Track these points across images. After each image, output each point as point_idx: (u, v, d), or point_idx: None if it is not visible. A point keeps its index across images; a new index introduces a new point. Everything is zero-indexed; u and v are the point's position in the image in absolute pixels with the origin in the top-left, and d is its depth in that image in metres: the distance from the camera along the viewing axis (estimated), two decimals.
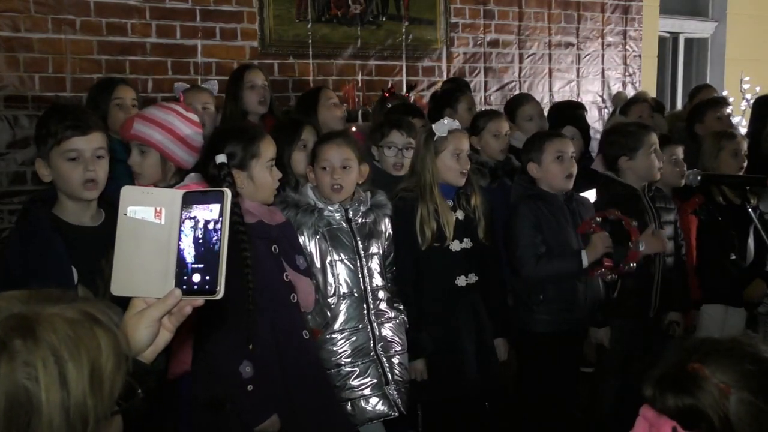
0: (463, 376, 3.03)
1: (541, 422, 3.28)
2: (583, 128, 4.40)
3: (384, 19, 5.60)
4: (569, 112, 4.53)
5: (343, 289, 2.76)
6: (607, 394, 3.59)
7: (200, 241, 1.19)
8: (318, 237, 2.73)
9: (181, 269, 1.19)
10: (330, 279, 2.74)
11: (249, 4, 5.03)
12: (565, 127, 4.00)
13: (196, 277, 1.19)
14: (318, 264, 2.73)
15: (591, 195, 3.65)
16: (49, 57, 4.36)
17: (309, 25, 5.27)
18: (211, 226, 1.18)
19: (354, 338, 2.76)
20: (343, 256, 2.76)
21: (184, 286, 1.19)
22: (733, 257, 3.75)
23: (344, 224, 2.79)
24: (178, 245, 1.19)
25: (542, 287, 3.20)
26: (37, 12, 4.31)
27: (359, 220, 2.82)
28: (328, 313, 2.73)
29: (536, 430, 3.34)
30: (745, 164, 3.86)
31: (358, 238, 2.80)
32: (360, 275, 2.78)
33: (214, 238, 1.18)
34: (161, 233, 1.20)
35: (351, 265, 2.77)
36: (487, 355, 3.14)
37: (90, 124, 2.17)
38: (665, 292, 3.42)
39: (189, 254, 1.19)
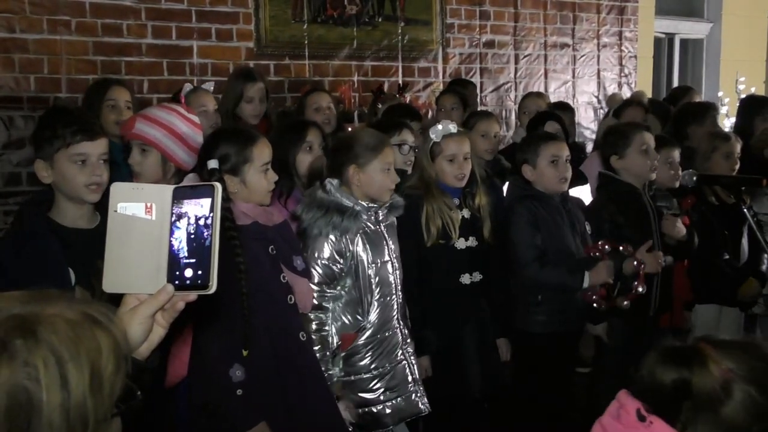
0: (465, 374, 3.04)
1: (537, 422, 3.29)
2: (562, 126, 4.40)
3: (380, 19, 5.60)
4: (548, 111, 4.53)
5: (379, 292, 2.75)
6: (605, 393, 3.59)
7: (192, 235, 1.18)
8: (358, 240, 2.71)
9: (173, 264, 1.18)
10: (368, 283, 2.73)
11: (245, 5, 5.03)
12: (547, 123, 4.02)
13: (188, 272, 1.18)
14: (357, 267, 2.71)
15: (583, 193, 3.65)
16: (44, 58, 4.35)
17: (305, 26, 5.26)
18: (202, 221, 1.18)
19: (386, 341, 2.77)
20: (379, 259, 2.75)
21: (177, 282, 1.18)
22: (726, 257, 3.76)
23: (376, 227, 2.78)
24: (170, 240, 1.19)
25: (540, 288, 3.20)
26: (32, 13, 4.30)
27: (385, 222, 2.83)
28: (366, 318, 2.73)
29: (533, 431, 3.34)
30: (738, 167, 3.86)
31: (389, 241, 2.81)
32: (392, 278, 2.79)
33: (206, 233, 1.18)
34: (152, 229, 1.19)
35: (385, 268, 2.77)
36: (490, 355, 3.15)
37: (96, 130, 2.21)
38: (665, 291, 3.42)
39: (180, 249, 1.18)
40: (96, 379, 0.94)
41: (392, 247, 2.82)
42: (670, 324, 3.58)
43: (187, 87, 3.62)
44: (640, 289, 3.14)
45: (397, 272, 2.82)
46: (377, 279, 2.74)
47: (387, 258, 2.78)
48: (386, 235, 2.80)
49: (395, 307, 2.80)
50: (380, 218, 2.80)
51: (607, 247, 3.16)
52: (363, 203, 2.72)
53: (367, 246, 2.72)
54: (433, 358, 3.02)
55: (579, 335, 3.41)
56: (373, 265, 2.73)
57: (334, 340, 2.71)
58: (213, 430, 2.31)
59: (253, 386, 2.30)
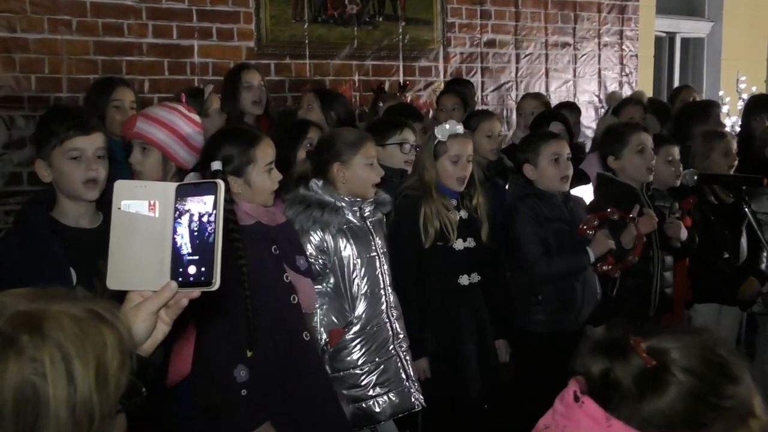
0: (464, 375, 3.04)
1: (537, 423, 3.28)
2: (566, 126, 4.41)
3: (380, 19, 5.59)
4: (553, 110, 4.53)
5: (366, 286, 2.77)
6: None
7: (195, 232, 1.19)
8: (341, 236, 2.73)
9: (177, 261, 1.19)
10: (353, 277, 2.75)
11: (245, 5, 5.03)
12: (552, 123, 4.03)
13: (192, 269, 1.19)
14: (341, 263, 2.73)
15: (585, 193, 3.65)
16: (45, 57, 4.35)
17: (305, 26, 5.26)
18: (205, 218, 1.19)
19: (375, 335, 2.78)
20: (365, 255, 2.77)
21: (180, 279, 1.19)
22: (726, 256, 3.76)
23: (362, 222, 2.80)
24: (173, 238, 1.20)
25: (541, 287, 3.20)
26: (33, 12, 4.30)
27: (372, 218, 2.84)
28: (353, 313, 2.75)
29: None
30: (736, 163, 3.87)
31: (375, 236, 2.82)
32: (379, 272, 2.80)
33: (209, 230, 1.19)
34: (156, 226, 1.20)
35: (372, 263, 2.79)
36: (488, 356, 3.15)
37: (92, 125, 2.19)
38: (664, 291, 3.42)
39: (184, 246, 1.19)
40: (101, 375, 0.95)
41: (379, 242, 2.83)
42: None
43: (209, 88, 3.64)
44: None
45: (385, 267, 2.83)
46: (363, 273, 2.76)
47: (374, 253, 2.80)
48: (372, 231, 2.82)
49: (384, 301, 2.81)
50: (366, 214, 2.82)
51: (596, 221, 3.20)
52: (346, 199, 2.75)
53: (352, 241, 2.75)
54: (432, 359, 3.02)
55: (579, 335, 3.41)
56: (359, 259, 2.75)
57: (322, 337, 2.72)
58: (216, 430, 2.32)
59: (257, 386, 2.30)
